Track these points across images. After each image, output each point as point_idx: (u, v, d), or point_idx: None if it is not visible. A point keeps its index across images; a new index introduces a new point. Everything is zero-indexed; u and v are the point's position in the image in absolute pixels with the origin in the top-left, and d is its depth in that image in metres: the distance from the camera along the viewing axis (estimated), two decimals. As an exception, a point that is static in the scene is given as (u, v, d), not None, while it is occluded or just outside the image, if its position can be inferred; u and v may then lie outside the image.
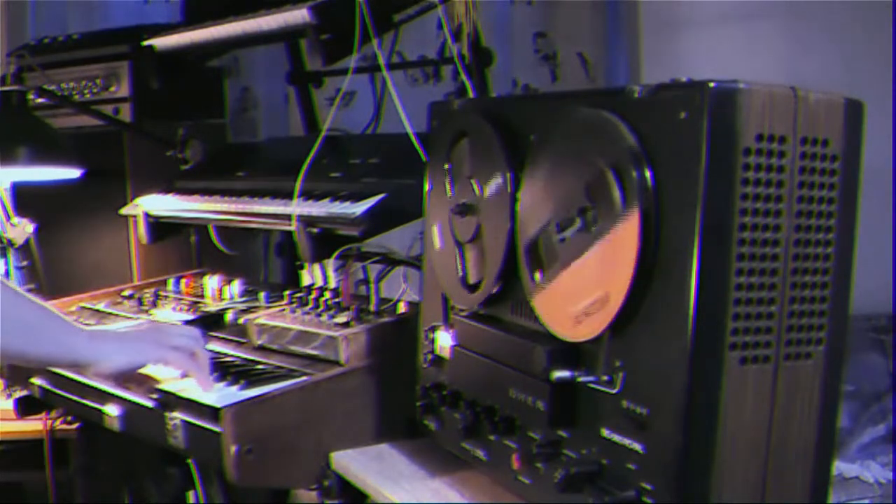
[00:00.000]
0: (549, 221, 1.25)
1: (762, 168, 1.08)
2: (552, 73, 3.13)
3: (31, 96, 2.47)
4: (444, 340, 1.52)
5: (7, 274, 2.63)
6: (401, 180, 1.85)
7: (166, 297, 2.27)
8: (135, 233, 2.44)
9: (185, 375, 1.70)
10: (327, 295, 1.87)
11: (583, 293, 1.18)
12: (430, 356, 1.57)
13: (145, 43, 2.41)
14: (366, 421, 1.66)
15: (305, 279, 2.02)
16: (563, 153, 1.24)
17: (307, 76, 2.58)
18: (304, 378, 1.65)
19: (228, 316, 2.01)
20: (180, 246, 2.57)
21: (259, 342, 1.85)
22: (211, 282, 2.22)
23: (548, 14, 3.12)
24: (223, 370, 1.74)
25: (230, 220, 2.16)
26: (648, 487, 1.11)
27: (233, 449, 1.52)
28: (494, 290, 1.39)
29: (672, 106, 1.08)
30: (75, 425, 2.43)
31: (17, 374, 2.12)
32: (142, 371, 1.69)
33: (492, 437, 1.39)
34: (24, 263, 2.68)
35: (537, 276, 1.28)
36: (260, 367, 1.77)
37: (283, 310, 1.91)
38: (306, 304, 1.88)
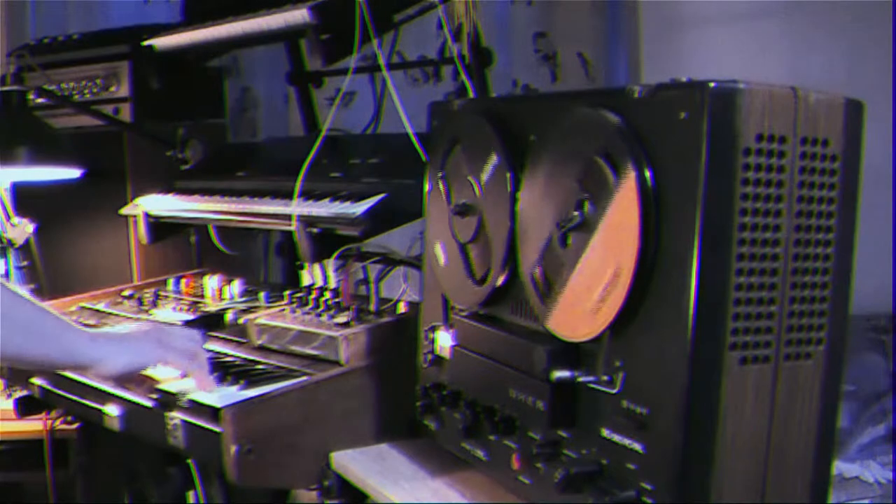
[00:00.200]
0: (549, 239, 1.25)
1: (762, 168, 1.08)
2: (552, 73, 3.13)
3: (31, 96, 2.46)
4: (444, 340, 1.52)
5: (7, 274, 2.63)
6: (401, 180, 1.85)
7: (166, 297, 2.27)
8: (135, 233, 2.44)
9: (184, 376, 1.70)
10: (327, 295, 1.87)
11: (596, 281, 1.17)
12: (430, 356, 1.57)
13: (145, 43, 2.41)
14: (366, 421, 1.66)
15: (305, 279, 2.02)
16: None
17: (307, 76, 2.58)
18: (304, 378, 1.65)
19: (228, 316, 2.01)
20: (180, 246, 2.57)
21: (259, 342, 1.85)
22: (211, 282, 2.22)
23: (548, 14, 3.12)
24: (223, 370, 1.74)
25: (230, 220, 2.16)
26: (648, 487, 1.11)
27: (233, 449, 1.52)
28: (502, 281, 1.38)
29: (672, 106, 1.08)
30: (75, 425, 2.43)
31: (17, 374, 2.12)
32: (142, 371, 1.69)
33: (492, 437, 1.39)
34: (24, 263, 2.68)
35: (547, 298, 1.27)
36: (260, 367, 1.77)
37: (283, 310, 1.91)
38: (306, 304, 1.88)
